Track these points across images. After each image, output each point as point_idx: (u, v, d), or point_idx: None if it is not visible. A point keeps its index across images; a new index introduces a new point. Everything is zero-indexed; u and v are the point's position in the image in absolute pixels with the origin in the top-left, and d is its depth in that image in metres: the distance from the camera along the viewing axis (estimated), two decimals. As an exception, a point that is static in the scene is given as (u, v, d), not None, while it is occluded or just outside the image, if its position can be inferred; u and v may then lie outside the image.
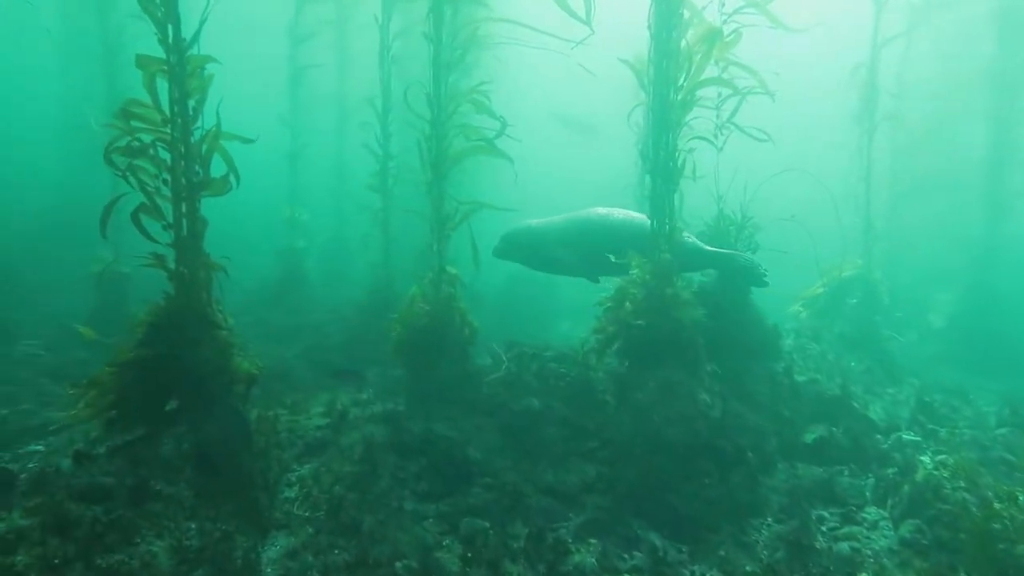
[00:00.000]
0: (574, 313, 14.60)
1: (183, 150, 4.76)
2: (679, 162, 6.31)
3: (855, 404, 7.25)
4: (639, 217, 7.13)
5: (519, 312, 13.46)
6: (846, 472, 6.17)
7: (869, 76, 11.67)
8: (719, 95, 7.21)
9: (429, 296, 6.70)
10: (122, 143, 4.55)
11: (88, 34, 12.87)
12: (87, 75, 14.56)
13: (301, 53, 15.68)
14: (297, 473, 5.43)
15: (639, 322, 5.86)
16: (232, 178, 4.95)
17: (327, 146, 17.07)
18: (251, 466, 4.76)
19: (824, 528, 5.34)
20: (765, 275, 7.01)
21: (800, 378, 7.29)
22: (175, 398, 4.77)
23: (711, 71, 6.57)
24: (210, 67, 4.84)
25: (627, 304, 5.99)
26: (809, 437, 6.54)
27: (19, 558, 3.33)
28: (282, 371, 8.59)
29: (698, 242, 7.07)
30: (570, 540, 4.91)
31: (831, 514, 5.56)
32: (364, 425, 6.09)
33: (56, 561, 3.37)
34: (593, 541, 4.91)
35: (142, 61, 4.61)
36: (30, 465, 5.97)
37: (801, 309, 11.60)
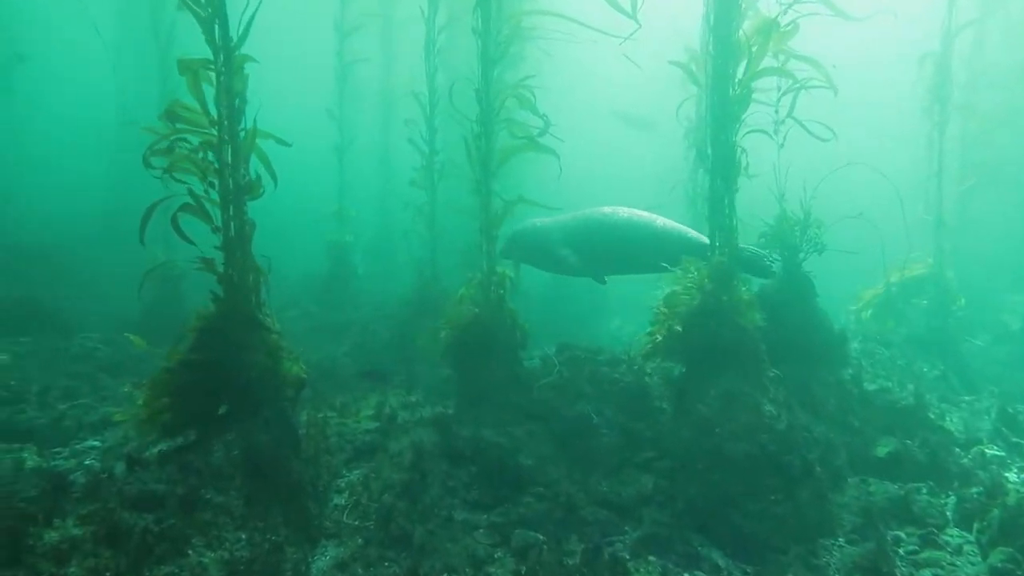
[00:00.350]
0: (623, 310, 14.30)
1: (230, 151, 4.69)
2: (738, 159, 5.98)
3: (930, 414, 6.80)
4: (646, 216, 7.04)
5: (565, 309, 13.20)
6: (924, 490, 5.76)
7: (941, 65, 10.97)
8: (778, 89, 6.86)
9: (478, 297, 6.52)
10: (162, 145, 4.49)
11: (140, 32, 13.03)
12: (139, 76, 14.87)
13: (347, 47, 15.67)
14: (346, 479, 5.34)
15: (697, 328, 5.57)
16: (270, 180, 4.87)
17: (372, 141, 17.08)
18: (301, 473, 4.67)
19: (902, 551, 4.98)
20: (772, 265, 6.79)
21: (870, 386, 6.88)
22: (225, 402, 4.72)
23: (768, 64, 6.24)
24: (252, 64, 4.75)
25: (683, 309, 5.71)
26: (881, 450, 6.14)
27: (72, 569, 3.28)
28: (330, 369, 8.57)
29: (701, 237, 6.87)
30: (627, 557, 4.68)
31: (909, 536, 5.18)
32: (413, 429, 5.96)
33: (108, 573, 3.31)
34: (652, 558, 4.67)
35: (184, 64, 4.52)
36: (87, 462, 6.05)
37: (864, 310, 11.05)
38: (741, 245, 6.67)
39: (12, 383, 6.91)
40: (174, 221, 4.55)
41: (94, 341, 10.19)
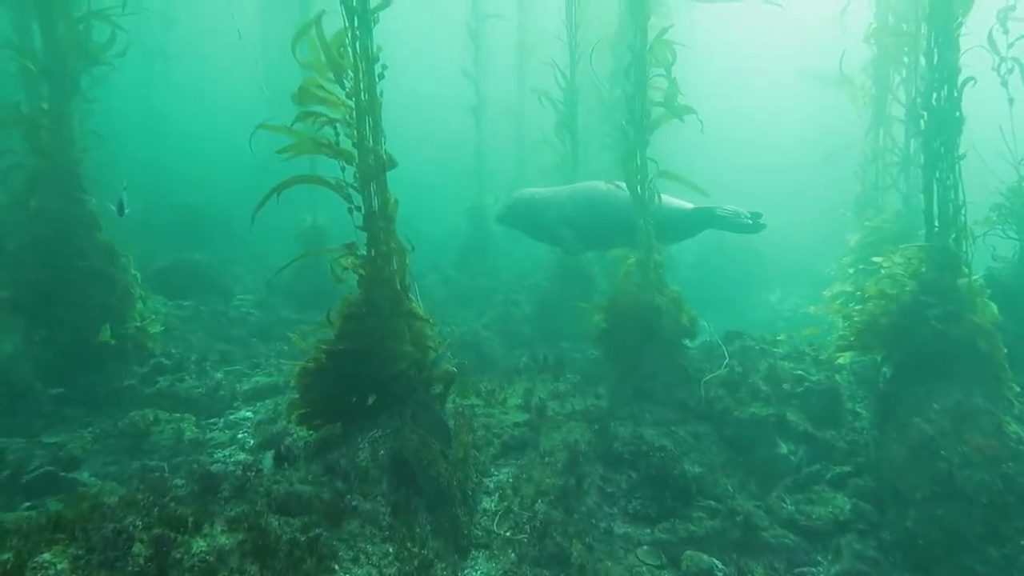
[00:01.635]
0: (783, 281, 12.94)
1: (369, 123, 4.23)
2: (960, 117, 4.75)
3: None
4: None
5: (718, 279, 12.11)
6: None
7: None
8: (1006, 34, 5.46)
9: (636, 278, 5.80)
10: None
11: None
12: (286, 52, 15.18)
13: (479, 5, 15.12)
14: (495, 479, 4.91)
15: (911, 323, 4.53)
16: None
17: (507, 100, 16.55)
18: (449, 476, 4.27)
19: None
20: (750, 221, 6.62)
21: None
22: (372, 393, 4.40)
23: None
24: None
25: (890, 298, 4.66)
26: None
27: (219, 587, 3.05)
28: (474, 342, 8.26)
29: (679, 202, 6.76)
30: (826, 600, 3.91)
31: None
32: (565, 424, 5.43)
33: (254, 593, 3.05)
34: (858, 606, 3.87)
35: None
36: (239, 435, 6.10)
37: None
38: (717, 205, 6.65)
39: (174, 351, 7.13)
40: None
41: (248, 304, 10.60)
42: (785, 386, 5.38)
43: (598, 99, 11.45)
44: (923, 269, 4.69)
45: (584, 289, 9.12)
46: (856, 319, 4.68)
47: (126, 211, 5.43)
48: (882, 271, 4.67)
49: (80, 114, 6.34)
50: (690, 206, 6.78)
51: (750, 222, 6.66)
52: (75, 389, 6.15)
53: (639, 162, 5.75)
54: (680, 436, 5.19)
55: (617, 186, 6.89)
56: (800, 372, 5.45)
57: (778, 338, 6.00)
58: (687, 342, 5.68)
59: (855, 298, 6.10)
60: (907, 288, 4.62)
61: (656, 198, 6.16)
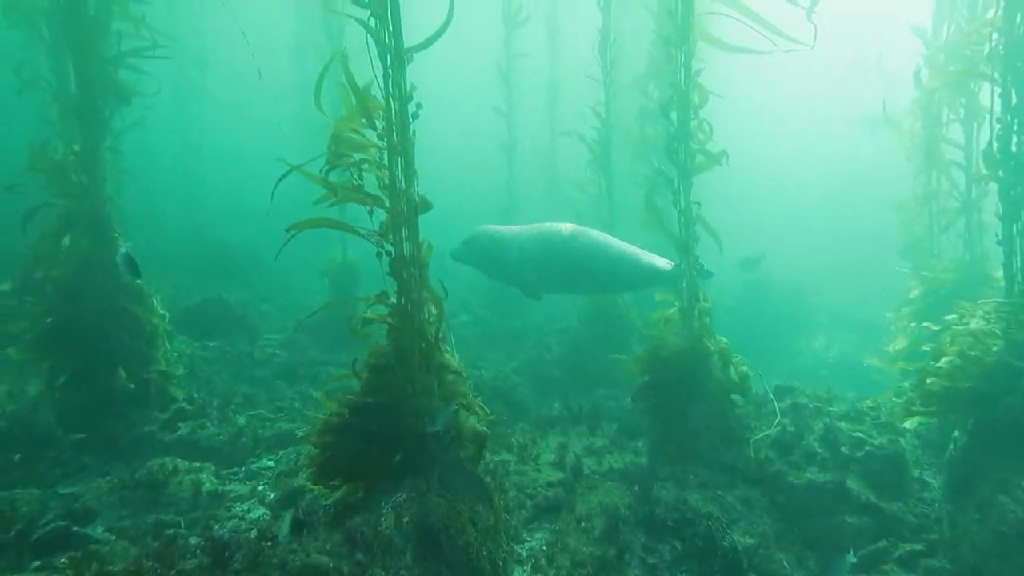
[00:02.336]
0: (826, 327, 12.40)
1: (402, 163, 4.03)
2: None
3: None
4: (603, 240, 6.98)
5: (758, 321, 11.65)
6: None
7: None
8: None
9: (678, 327, 5.46)
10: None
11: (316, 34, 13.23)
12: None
13: (512, 42, 15.18)
14: (528, 545, 4.56)
15: (997, 386, 4.10)
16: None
17: (539, 138, 16.52)
18: (479, 547, 3.94)
19: None
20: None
21: None
22: (398, 452, 4.10)
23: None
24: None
25: (970, 357, 4.25)
26: None
27: None
28: (504, 388, 7.94)
29: (659, 260, 6.82)
30: None
31: None
32: (602, 484, 5.06)
33: None
34: None
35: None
36: (260, 487, 5.84)
37: None
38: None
39: (196, 395, 6.94)
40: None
41: (274, 345, 10.44)
42: (844, 449, 4.95)
43: (625, 138, 11.32)
44: (1011, 328, 4.27)
45: (619, 332, 8.79)
46: (928, 381, 4.27)
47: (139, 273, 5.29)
48: (959, 328, 4.27)
49: (113, 154, 6.30)
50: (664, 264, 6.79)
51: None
52: (96, 435, 5.97)
53: (683, 204, 5.47)
54: (728, 502, 4.79)
55: (581, 229, 6.99)
56: (860, 434, 5.02)
57: (832, 393, 5.57)
58: (736, 398, 5.29)
59: (919, 354, 5.66)
60: (993, 349, 4.20)
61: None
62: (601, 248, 6.90)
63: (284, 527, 3.87)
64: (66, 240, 5.99)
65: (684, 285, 5.53)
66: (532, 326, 10.79)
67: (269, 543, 3.59)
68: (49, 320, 5.83)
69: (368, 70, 3.95)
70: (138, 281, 5.39)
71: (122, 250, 5.27)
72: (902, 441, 4.98)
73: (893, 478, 4.81)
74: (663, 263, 6.77)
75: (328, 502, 4.02)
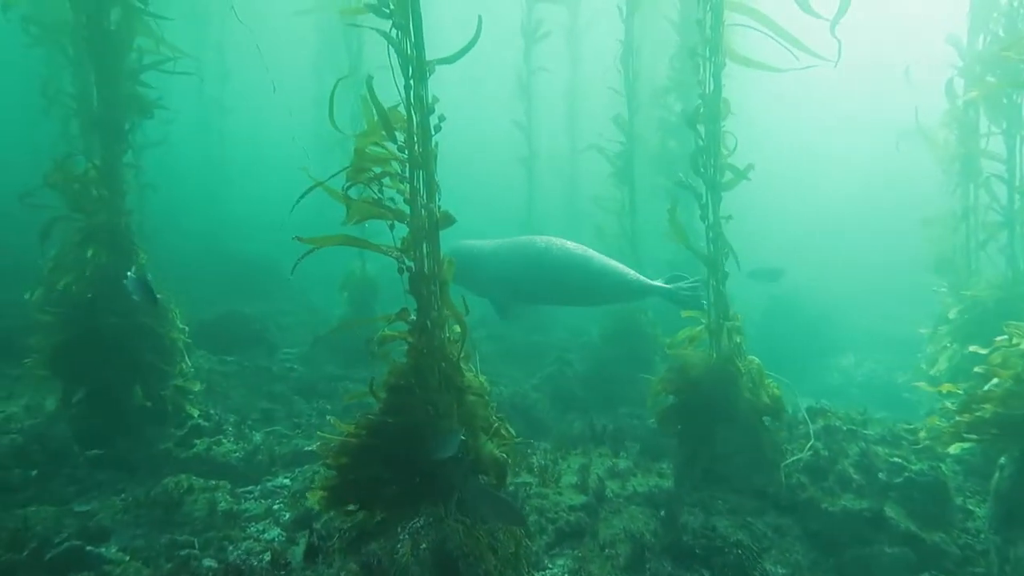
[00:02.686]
0: (855, 344, 12.07)
1: (423, 177, 3.93)
2: None
3: None
4: (581, 253, 6.89)
5: (783, 337, 11.37)
6: None
7: None
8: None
9: (707, 346, 5.28)
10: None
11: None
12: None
13: (531, 56, 15.15)
14: (549, 572, 4.38)
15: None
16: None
17: (559, 151, 16.44)
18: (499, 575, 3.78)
19: None
20: (687, 294, 6.56)
21: None
22: (416, 476, 3.97)
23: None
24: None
25: (1019, 384, 4.03)
26: None
27: None
28: (524, 406, 7.79)
29: (638, 276, 6.86)
30: None
31: None
32: (626, 508, 4.88)
33: None
34: None
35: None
36: (275, 505, 5.73)
37: None
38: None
39: (212, 412, 6.88)
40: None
41: (292, 359, 10.39)
42: (881, 475, 4.73)
43: (645, 151, 11.22)
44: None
45: (643, 349, 8.61)
46: (975, 405, 4.05)
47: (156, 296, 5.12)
48: (1011, 350, 4.05)
49: (135, 168, 6.29)
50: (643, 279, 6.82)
51: (687, 295, 6.62)
52: (112, 451, 5.92)
53: (711, 219, 5.31)
54: (758, 529, 4.58)
55: (558, 242, 6.93)
56: (898, 459, 4.79)
57: (867, 416, 5.34)
58: (767, 420, 5.08)
59: (961, 376, 5.42)
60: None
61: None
62: (578, 260, 6.85)
63: (298, 552, 3.76)
64: (89, 252, 5.98)
65: (710, 302, 5.36)
66: (553, 341, 10.64)
67: (283, 572, 3.48)
68: (66, 334, 5.79)
69: (388, 86, 3.87)
70: (155, 306, 5.21)
71: (130, 274, 4.98)
72: (943, 467, 4.75)
73: (935, 506, 4.57)
74: (639, 277, 6.82)
75: (344, 526, 3.90)
